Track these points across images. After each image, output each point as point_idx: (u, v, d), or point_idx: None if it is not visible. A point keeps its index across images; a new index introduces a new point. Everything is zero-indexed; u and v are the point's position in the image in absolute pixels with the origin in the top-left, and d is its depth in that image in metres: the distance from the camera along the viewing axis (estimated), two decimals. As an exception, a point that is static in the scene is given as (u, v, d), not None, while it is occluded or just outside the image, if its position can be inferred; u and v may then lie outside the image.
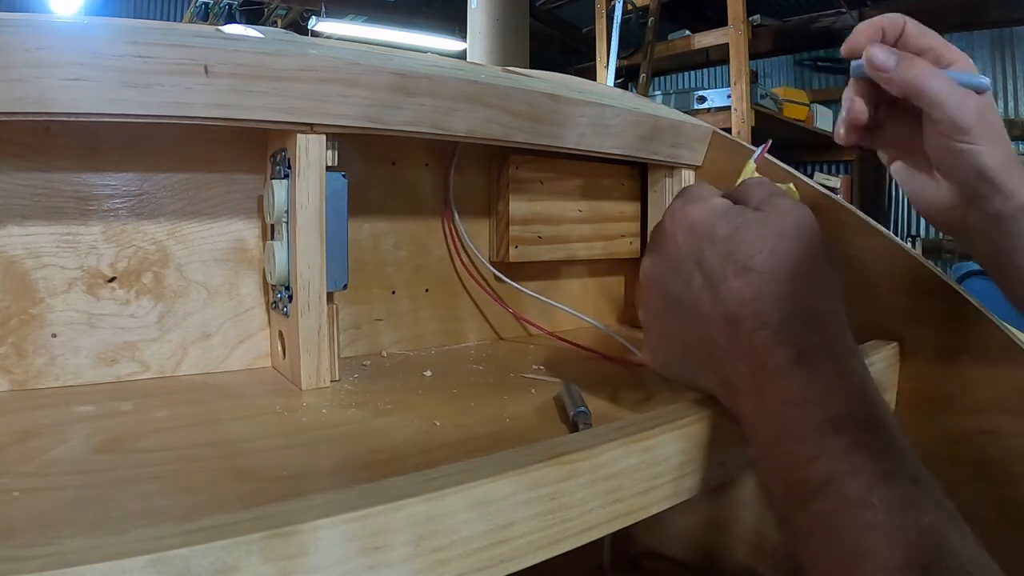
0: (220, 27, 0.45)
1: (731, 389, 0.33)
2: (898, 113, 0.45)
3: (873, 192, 4.43)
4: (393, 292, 0.59)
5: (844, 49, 0.44)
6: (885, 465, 0.26)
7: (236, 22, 4.52)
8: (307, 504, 0.22)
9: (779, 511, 0.29)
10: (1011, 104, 4.46)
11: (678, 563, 0.65)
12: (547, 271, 0.68)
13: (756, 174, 0.41)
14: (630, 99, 0.67)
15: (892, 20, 0.43)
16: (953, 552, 0.24)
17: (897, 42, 0.43)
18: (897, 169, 0.46)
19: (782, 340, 0.31)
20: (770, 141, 0.46)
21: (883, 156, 0.47)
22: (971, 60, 0.42)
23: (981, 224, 0.42)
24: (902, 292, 0.51)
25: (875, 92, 0.44)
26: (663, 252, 0.37)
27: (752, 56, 3.19)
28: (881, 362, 0.47)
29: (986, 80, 0.41)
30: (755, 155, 0.43)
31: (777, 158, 0.62)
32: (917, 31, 0.43)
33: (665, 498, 0.32)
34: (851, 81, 0.45)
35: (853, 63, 0.44)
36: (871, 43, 0.42)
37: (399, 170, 0.58)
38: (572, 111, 0.54)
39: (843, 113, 0.45)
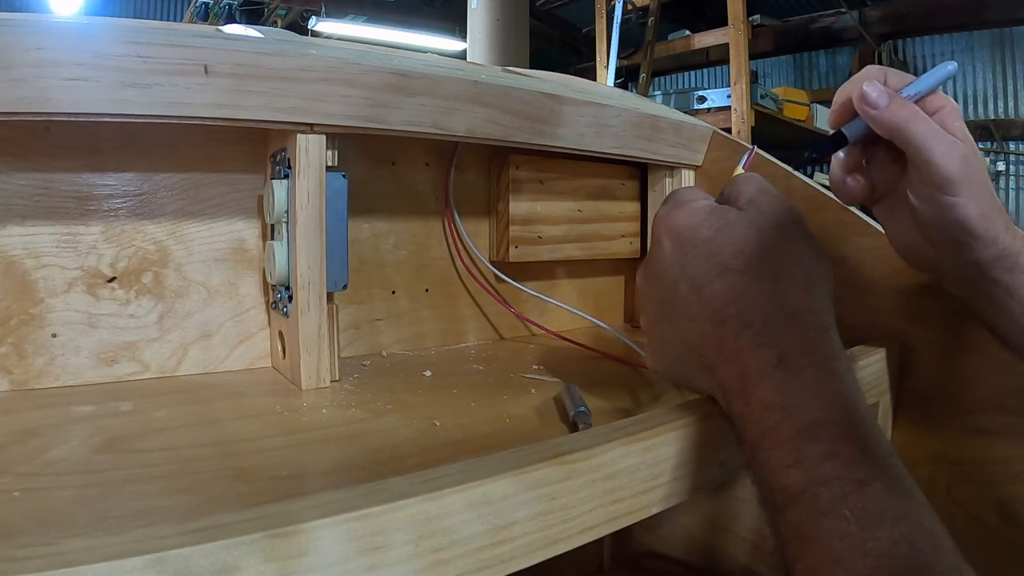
0: (220, 27, 0.45)
1: (724, 390, 0.33)
2: (883, 157, 0.43)
3: (873, 192, 4.42)
4: (393, 292, 0.59)
5: (831, 119, 0.43)
6: (860, 474, 0.26)
7: (236, 22, 4.52)
8: (307, 504, 0.22)
9: (766, 513, 0.29)
10: (1011, 104, 4.45)
11: (678, 563, 0.65)
12: (547, 271, 0.68)
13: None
14: (630, 99, 0.67)
15: (874, 77, 0.41)
16: (925, 563, 0.24)
17: None
18: (878, 209, 0.45)
19: (765, 341, 0.31)
20: (755, 148, 0.46)
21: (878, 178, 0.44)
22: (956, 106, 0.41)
23: (960, 268, 0.42)
24: (902, 292, 0.51)
25: (861, 155, 0.43)
26: (653, 258, 0.37)
27: (752, 56, 3.19)
28: (877, 363, 0.47)
29: (952, 64, 0.40)
30: (742, 162, 0.43)
31: (777, 158, 0.62)
32: (898, 79, 0.41)
33: (665, 498, 0.32)
34: (835, 160, 0.43)
35: (843, 128, 0.42)
36: (865, 80, 0.40)
37: (399, 170, 0.58)
38: (572, 111, 0.54)
39: (837, 180, 0.44)
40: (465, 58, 3.44)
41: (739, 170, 0.42)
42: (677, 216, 0.36)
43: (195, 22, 4.69)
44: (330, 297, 0.46)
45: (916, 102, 0.40)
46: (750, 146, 0.48)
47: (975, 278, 0.41)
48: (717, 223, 0.35)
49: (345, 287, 0.48)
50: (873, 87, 0.39)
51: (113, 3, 5.80)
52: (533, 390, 0.47)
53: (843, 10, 4.19)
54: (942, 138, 0.38)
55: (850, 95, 0.41)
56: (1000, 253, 0.39)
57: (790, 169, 0.61)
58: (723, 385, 0.33)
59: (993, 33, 4.35)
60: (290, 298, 0.45)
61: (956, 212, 0.38)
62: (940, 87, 0.40)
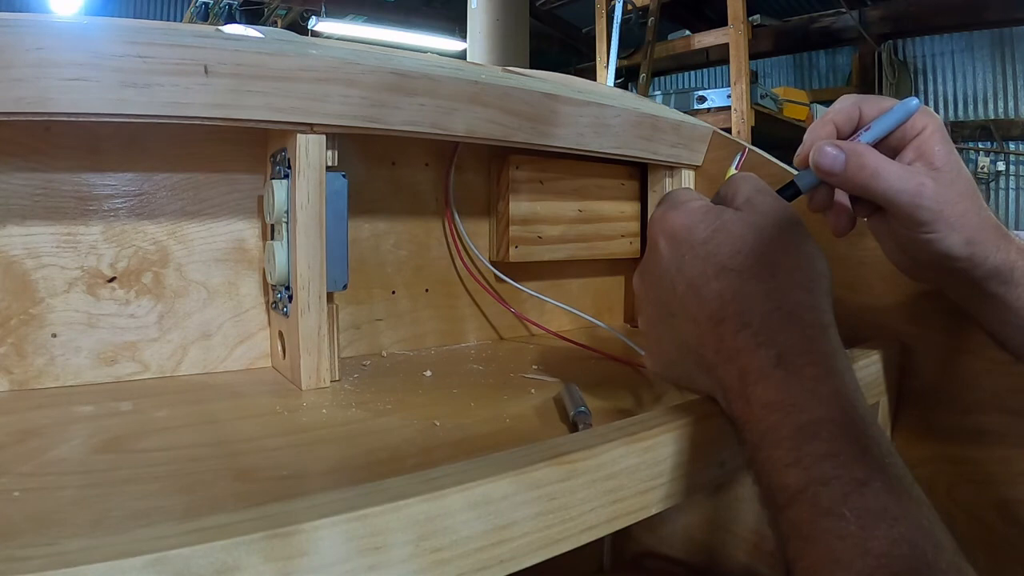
0: (220, 27, 0.45)
1: (724, 390, 0.33)
2: None
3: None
4: (393, 292, 0.59)
5: (798, 159, 0.41)
6: (859, 473, 0.26)
7: (236, 22, 4.52)
8: (307, 504, 0.22)
9: (766, 513, 0.29)
10: (1011, 104, 4.45)
11: (678, 563, 0.65)
12: (547, 271, 0.68)
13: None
14: (630, 99, 0.67)
15: (847, 114, 0.40)
16: (925, 562, 0.24)
17: (857, 126, 0.40)
18: (870, 225, 0.44)
19: (764, 340, 0.31)
20: (747, 147, 0.46)
21: (858, 209, 0.43)
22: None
23: (953, 284, 0.42)
24: (902, 292, 0.52)
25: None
26: (650, 259, 0.37)
27: (752, 56, 3.19)
28: (877, 363, 0.47)
29: (914, 102, 0.39)
30: (735, 163, 0.43)
31: (777, 158, 0.62)
32: (873, 107, 0.40)
33: (665, 498, 0.32)
34: (812, 196, 0.41)
35: (796, 178, 0.41)
36: (818, 142, 0.39)
37: (399, 170, 0.58)
38: (572, 111, 0.54)
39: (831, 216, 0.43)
40: (465, 58, 3.44)
41: (732, 171, 0.42)
42: (673, 217, 0.36)
43: (195, 22, 4.68)
44: (330, 297, 0.46)
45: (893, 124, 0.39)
46: (750, 147, 0.48)
47: (969, 292, 0.41)
48: (713, 223, 0.34)
49: (345, 287, 0.48)
50: (824, 153, 0.38)
51: (113, 3, 5.80)
52: (533, 390, 0.47)
53: (843, 10, 4.19)
54: (907, 184, 0.37)
55: (818, 134, 0.40)
56: (992, 271, 0.39)
57: (790, 169, 0.61)
58: (723, 385, 0.33)
59: (993, 33, 4.35)
60: (290, 298, 0.45)
61: (936, 246, 0.38)
62: (906, 120, 0.39)
